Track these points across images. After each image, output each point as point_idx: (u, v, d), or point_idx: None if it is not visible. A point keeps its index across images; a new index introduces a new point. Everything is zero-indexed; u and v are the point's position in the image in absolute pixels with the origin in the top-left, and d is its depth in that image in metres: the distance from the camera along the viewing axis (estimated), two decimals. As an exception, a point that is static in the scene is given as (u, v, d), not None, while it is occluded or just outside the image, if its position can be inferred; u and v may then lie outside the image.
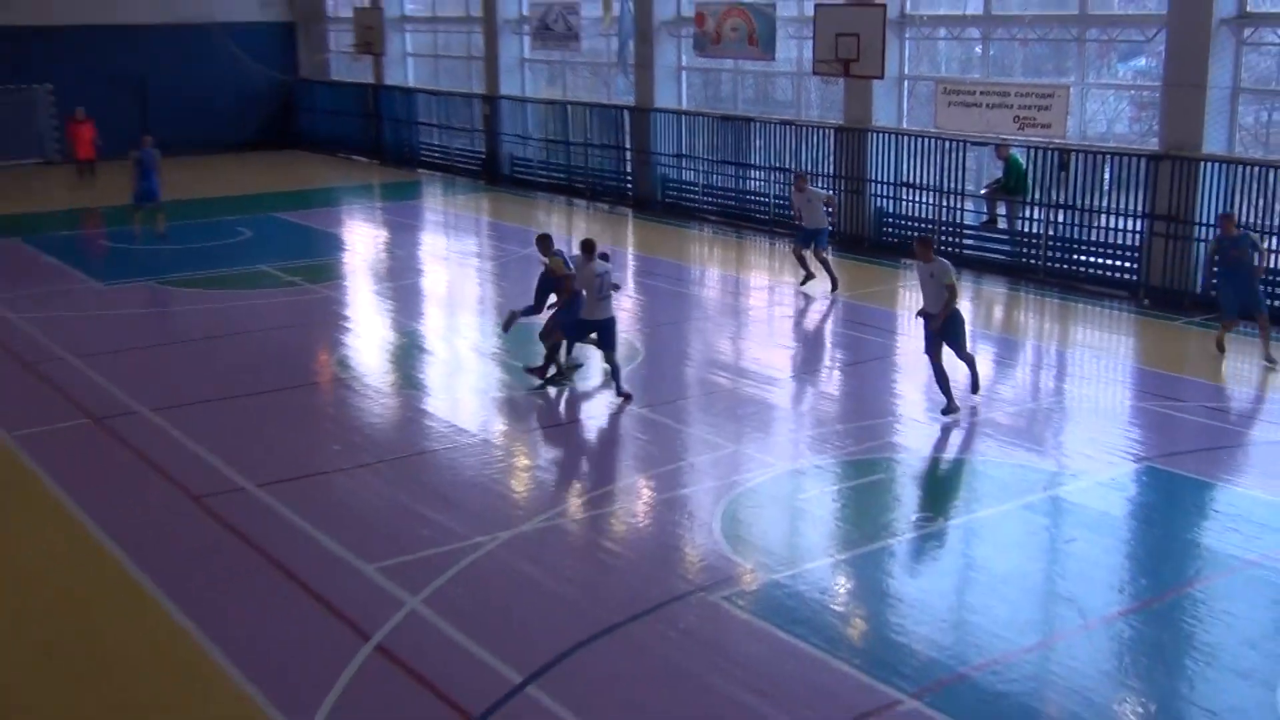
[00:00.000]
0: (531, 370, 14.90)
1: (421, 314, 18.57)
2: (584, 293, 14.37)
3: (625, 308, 19.32)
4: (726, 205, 26.24)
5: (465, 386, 15.52)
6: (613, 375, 14.40)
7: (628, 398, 14.22)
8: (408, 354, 16.76)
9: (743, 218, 25.60)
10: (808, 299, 19.50)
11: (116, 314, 18.73)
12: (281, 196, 30.07)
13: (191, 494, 11.63)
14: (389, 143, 36.52)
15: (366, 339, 17.54)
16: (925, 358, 13.85)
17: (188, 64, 37.28)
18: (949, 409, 13.53)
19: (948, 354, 13.66)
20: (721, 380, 15.19)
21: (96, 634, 9.21)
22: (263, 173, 33.80)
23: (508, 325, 15.86)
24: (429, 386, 15.52)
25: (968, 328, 13.89)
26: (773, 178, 25.17)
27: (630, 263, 23.05)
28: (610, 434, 13.53)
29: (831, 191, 22.84)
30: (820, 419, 13.89)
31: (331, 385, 15.43)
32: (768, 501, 11.57)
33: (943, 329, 13.49)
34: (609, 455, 12.97)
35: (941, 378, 13.59)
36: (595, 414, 14.21)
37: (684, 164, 27.12)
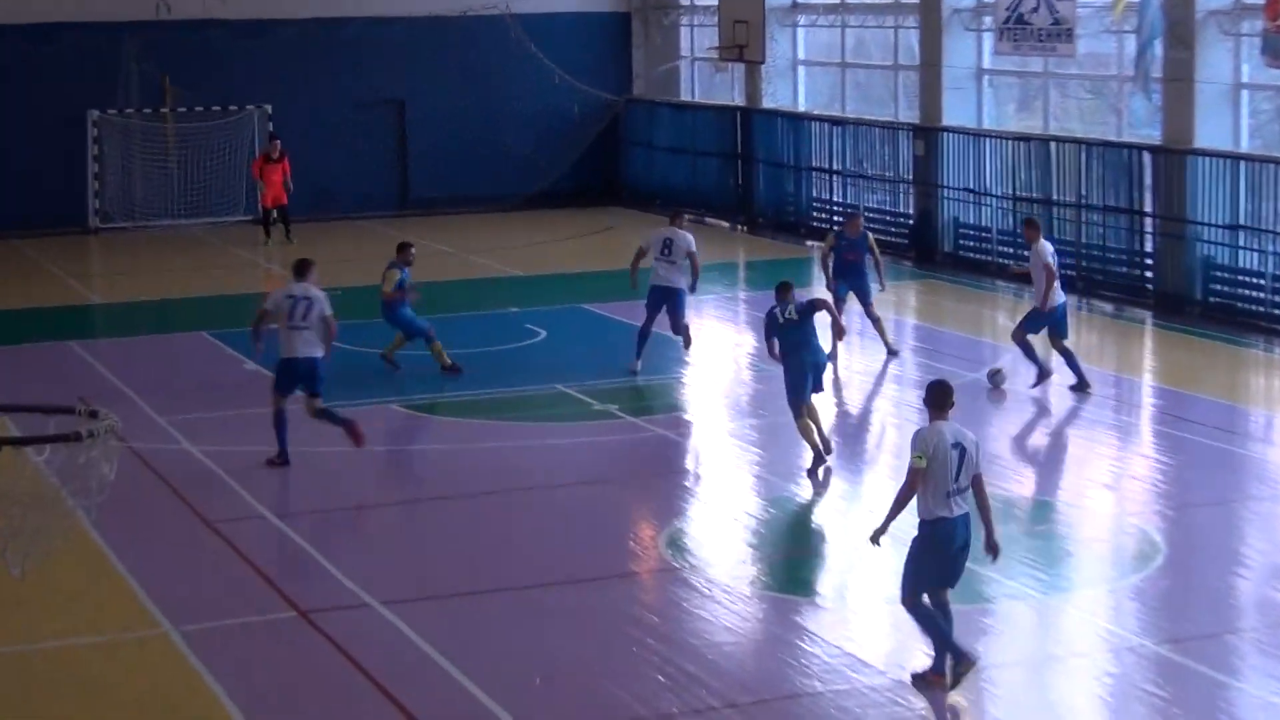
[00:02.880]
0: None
1: (799, 471, 18.62)
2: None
3: (1135, 473, 18.86)
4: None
5: (873, 593, 15.40)
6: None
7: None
8: (782, 534, 16.83)
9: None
10: None
11: (340, 453, 19.57)
12: (593, 278, 31.01)
13: (436, 738, 12.00)
14: (763, 198, 37.31)
15: (716, 507, 17.73)
16: None
17: (463, 76, 39.14)
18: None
19: None
20: (1299, 603, 14.63)
21: None
22: (567, 240, 35.01)
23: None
24: (816, 589, 15.49)
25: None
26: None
27: (1148, 400, 22.49)
28: (1109, 678, 13.18)
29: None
30: None
31: (658, 579, 15.64)
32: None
33: None
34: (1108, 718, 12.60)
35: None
36: (1079, 647, 13.84)
37: (1243, 239, 26.38)
